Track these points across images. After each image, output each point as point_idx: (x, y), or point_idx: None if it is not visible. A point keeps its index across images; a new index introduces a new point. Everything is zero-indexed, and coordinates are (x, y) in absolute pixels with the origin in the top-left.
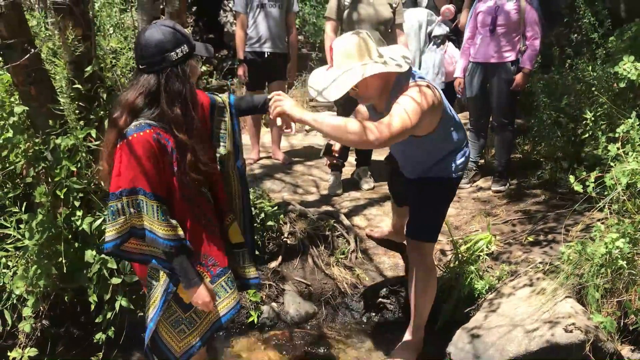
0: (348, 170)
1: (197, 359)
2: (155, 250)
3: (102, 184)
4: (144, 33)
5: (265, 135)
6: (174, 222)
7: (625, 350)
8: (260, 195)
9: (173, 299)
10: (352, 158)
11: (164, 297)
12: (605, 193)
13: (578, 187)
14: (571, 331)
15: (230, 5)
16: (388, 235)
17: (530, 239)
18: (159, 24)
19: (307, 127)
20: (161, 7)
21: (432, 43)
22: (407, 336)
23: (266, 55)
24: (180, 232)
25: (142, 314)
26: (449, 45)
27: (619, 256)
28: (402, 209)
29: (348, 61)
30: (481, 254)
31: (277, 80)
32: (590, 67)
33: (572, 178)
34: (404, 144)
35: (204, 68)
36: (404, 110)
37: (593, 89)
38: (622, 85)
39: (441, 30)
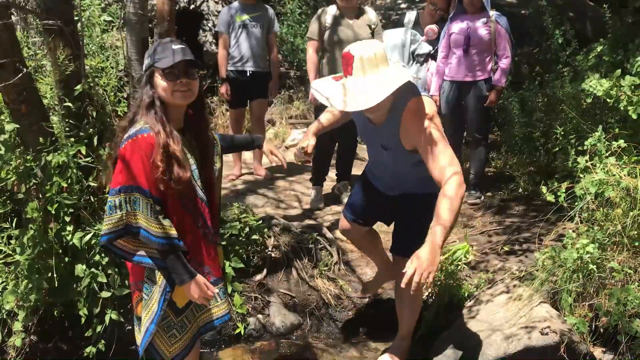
0: (329, 185)
1: None
2: (150, 249)
3: (107, 187)
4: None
5: (247, 151)
6: (166, 222)
7: (597, 352)
8: (244, 210)
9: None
10: (332, 173)
11: (162, 297)
12: (575, 203)
13: (550, 197)
14: (547, 334)
15: (209, 25)
16: (379, 280)
17: (506, 248)
18: (164, 39)
19: (287, 143)
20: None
21: (415, 61)
22: (396, 344)
23: (248, 74)
24: (172, 231)
25: (130, 327)
26: (432, 63)
27: (590, 261)
28: (377, 247)
29: (377, 67)
30: (459, 263)
31: (259, 98)
32: (559, 85)
33: (544, 189)
34: (395, 160)
35: None
36: (436, 141)
37: (562, 105)
38: (589, 100)
39: (424, 49)
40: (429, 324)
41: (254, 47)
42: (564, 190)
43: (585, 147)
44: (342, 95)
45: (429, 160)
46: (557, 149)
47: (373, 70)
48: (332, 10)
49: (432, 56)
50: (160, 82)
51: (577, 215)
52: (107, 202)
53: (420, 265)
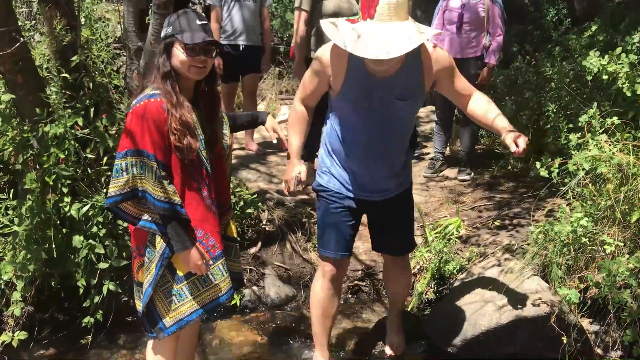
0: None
1: (187, 335)
2: (154, 214)
3: None
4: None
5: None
6: (170, 187)
7: (585, 323)
8: (238, 184)
9: (167, 270)
10: None
11: (160, 262)
12: (566, 180)
13: (544, 173)
14: (538, 305)
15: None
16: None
17: (497, 223)
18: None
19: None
20: None
21: None
22: (396, 323)
23: (241, 48)
24: (176, 198)
25: (126, 298)
26: None
27: (582, 234)
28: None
29: (401, 15)
30: (451, 237)
31: (252, 72)
32: (549, 63)
33: (538, 164)
34: (402, 119)
35: None
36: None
37: (552, 83)
38: (589, 77)
39: None
40: (421, 297)
41: (247, 20)
42: (557, 167)
43: (580, 124)
44: (364, 39)
45: (462, 82)
46: (548, 126)
47: (397, 17)
48: None
49: None
50: (179, 54)
51: (570, 190)
52: (114, 165)
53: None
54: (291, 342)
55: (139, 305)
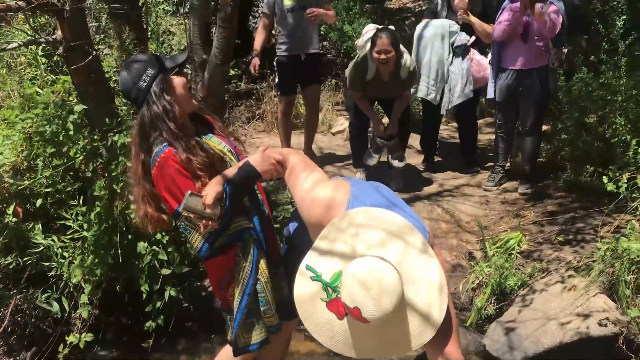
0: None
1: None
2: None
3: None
4: (120, 77)
5: (296, 136)
6: None
7: None
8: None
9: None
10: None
11: (253, 265)
12: (635, 194)
13: (611, 187)
14: (605, 325)
15: (259, 12)
16: None
17: (560, 238)
18: (126, 62)
19: (333, 130)
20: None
21: (454, 54)
22: None
23: (302, 59)
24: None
25: (187, 304)
26: (474, 52)
27: None
28: None
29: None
30: (512, 252)
31: (313, 84)
32: (616, 74)
33: (605, 178)
34: None
35: (232, 72)
36: None
37: (618, 96)
38: None
39: (462, 40)
40: (480, 312)
41: (305, 28)
42: (625, 181)
43: None
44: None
45: None
46: (614, 139)
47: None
48: None
49: (473, 45)
50: (171, 84)
51: (639, 206)
52: (179, 226)
53: None
54: None
55: (230, 335)
